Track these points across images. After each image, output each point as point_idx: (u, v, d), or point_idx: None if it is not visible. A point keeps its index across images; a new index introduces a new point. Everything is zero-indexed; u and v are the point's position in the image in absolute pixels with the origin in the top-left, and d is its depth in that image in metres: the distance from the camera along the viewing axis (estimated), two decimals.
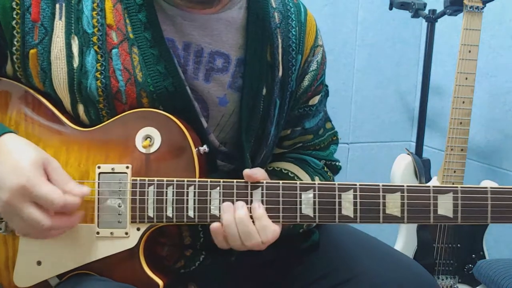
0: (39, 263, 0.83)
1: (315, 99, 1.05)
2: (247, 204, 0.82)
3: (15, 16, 0.84)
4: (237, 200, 0.82)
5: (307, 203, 0.81)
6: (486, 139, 1.97)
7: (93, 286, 0.81)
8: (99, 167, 0.83)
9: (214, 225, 0.81)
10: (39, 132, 0.86)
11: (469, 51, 1.61)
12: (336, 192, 0.81)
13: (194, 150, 0.84)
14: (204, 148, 0.86)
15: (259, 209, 0.81)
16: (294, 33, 0.99)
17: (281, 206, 0.82)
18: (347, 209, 0.80)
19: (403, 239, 1.79)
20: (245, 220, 0.80)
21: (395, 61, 2.33)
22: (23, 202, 0.74)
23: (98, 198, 0.83)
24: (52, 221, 0.75)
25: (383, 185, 0.81)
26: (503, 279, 1.32)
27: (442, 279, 1.76)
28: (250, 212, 0.81)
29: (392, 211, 0.80)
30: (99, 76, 0.84)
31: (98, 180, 0.83)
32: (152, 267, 0.84)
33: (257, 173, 0.83)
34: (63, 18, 0.85)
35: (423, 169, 1.79)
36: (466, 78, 1.61)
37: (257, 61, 0.93)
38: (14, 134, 0.80)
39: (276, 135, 1.01)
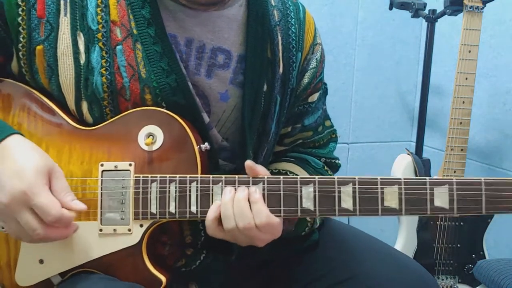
0: (41, 261, 0.83)
1: (314, 96, 1.07)
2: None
3: (20, 12, 0.84)
4: None
5: (308, 196, 0.82)
6: (486, 139, 1.98)
7: (96, 284, 0.81)
8: (102, 165, 0.84)
9: (214, 205, 0.82)
10: (42, 131, 0.86)
11: (469, 51, 1.61)
12: (336, 186, 0.82)
13: (196, 148, 0.84)
14: (206, 145, 0.86)
15: (256, 194, 0.81)
16: (294, 30, 1.00)
17: (282, 200, 0.82)
18: (347, 202, 0.81)
19: (403, 239, 1.79)
20: (242, 200, 0.80)
21: (395, 61, 2.34)
22: (21, 208, 0.74)
23: (101, 195, 0.83)
24: (47, 231, 0.75)
25: (381, 178, 0.82)
26: (503, 279, 1.32)
27: (442, 279, 1.76)
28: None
29: (390, 203, 0.81)
30: (104, 72, 0.85)
31: (101, 177, 0.83)
32: (154, 265, 0.84)
33: (258, 167, 0.83)
34: (68, 15, 0.85)
35: (423, 169, 1.79)
36: (466, 78, 1.62)
37: (258, 58, 0.94)
38: (20, 136, 0.80)
39: (277, 132, 1.02)
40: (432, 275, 0.99)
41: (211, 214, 0.81)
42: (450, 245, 1.75)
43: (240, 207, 0.80)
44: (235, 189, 0.82)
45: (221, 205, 0.81)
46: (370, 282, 0.92)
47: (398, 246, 1.79)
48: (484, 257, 1.73)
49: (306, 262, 1.01)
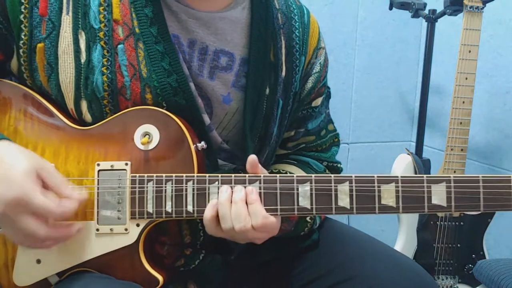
0: (38, 261, 0.83)
1: (318, 101, 1.06)
2: None
3: (23, 10, 0.85)
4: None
5: (304, 195, 0.82)
6: (486, 139, 1.97)
7: (93, 284, 0.81)
8: (98, 165, 0.83)
9: (210, 203, 0.82)
10: (38, 132, 0.86)
11: (469, 51, 1.61)
12: (332, 184, 0.81)
13: (192, 147, 0.84)
14: (202, 144, 0.86)
15: (253, 194, 0.81)
16: (297, 34, 0.99)
17: (278, 199, 0.82)
18: (343, 200, 0.81)
19: (403, 239, 1.79)
20: (239, 202, 0.80)
21: (395, 61, 2.33)
22: (19, 214, 0.73)
23: (98, 195, 0.83)
24: (48, 231, 0.75)
25: (378, 176, 0.81)
26: (503, 279, 1.32)
27: (442, 279, 1.75)
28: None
29: (387, 201, 0.81)
30: (105, 71, 0.85)
31: (98, 177, 0.83)
32: (152, 264, 0.84)
33: (259, 166, 0.83)
34: (70, 13, 0.85)
35: (423, 169, 1.78)
36: (466, 78, 1.62)
37: (260, 61, 0.94)
38: (7, 141, 0.80)
39: (279, 135, 1.02)
40: (432, 275, 0.99)
41: (208, 213, 0.81)
42: (450, 245, 1.75)
43: (237, 209, 0.80)
44: (232, 188, 0.82)
45: (219, 204, 0.80)
46: (369, 283, 0.92)
47: (398, 246, 1.79)
48: (484, 257, 1.73)
49: (306, 262, 1.01)
